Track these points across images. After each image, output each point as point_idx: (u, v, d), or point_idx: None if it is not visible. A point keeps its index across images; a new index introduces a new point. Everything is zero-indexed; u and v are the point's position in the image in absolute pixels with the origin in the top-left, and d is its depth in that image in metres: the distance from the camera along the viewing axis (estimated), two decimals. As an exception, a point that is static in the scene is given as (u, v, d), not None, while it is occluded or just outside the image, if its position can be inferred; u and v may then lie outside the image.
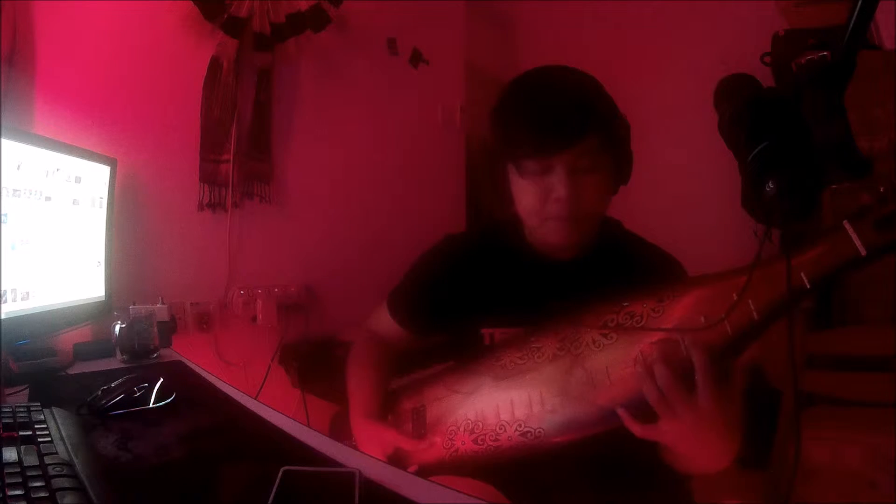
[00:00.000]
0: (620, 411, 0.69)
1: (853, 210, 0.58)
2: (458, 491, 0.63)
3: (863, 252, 0.57)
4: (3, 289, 0.91)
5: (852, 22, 0.53)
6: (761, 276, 0.64)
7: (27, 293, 0.99)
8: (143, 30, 1.43)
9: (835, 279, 0.61)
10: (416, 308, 0.98)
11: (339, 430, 0.98)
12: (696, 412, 0.64)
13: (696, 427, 0.65)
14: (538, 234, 0.86)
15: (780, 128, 0.58)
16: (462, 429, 0.81)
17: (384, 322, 1.01)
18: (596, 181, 0.80)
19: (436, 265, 0.98)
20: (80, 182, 1.13)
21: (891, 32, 1.33)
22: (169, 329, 1.30)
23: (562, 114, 0.77)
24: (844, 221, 0.58)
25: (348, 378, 0.96)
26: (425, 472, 0.79)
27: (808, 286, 0.60)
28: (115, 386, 0.82)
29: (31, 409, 0.69)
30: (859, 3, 0.51)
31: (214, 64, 1.53)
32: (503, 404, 0.78)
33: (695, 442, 0.68)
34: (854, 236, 0.57)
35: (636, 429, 0.68)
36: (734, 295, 0.65)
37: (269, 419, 0.81)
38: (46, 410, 0.70)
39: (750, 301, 0.64)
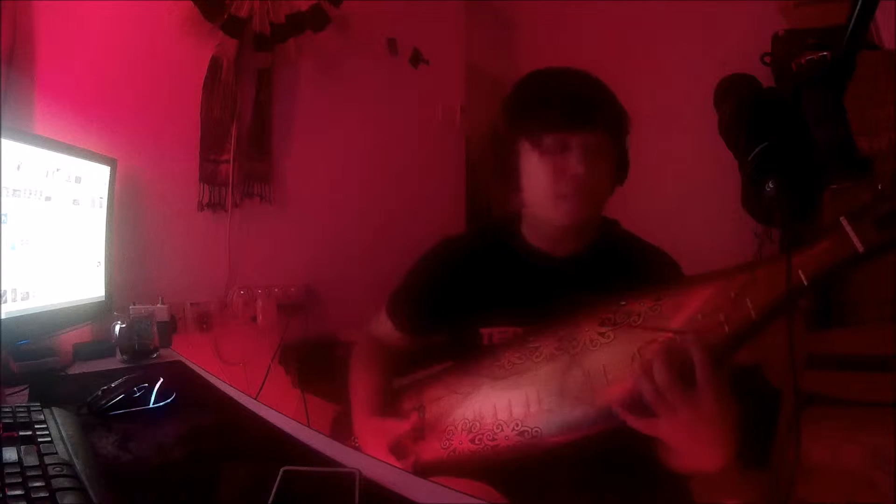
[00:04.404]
0: (616, 408, 0.69)
1: (852, 208, 0.58)
2: (457, 491, 0.63)
3: (861, 249, 0.57)
4: (3, 289, 0.91)
5: (852, 22, 0.53)
6: (760, 274, 0.64)
7: (27, 293, 0.99)
8: (143, 30, 1.43)
9: (833, 277, 0.60)
10: (415, 310, 0.98)
11: (340, 430, 0.98)
12: (694, 409, 0.64)
13: (694, 424, 0.65)
14: (547, 215, 0.86)
15: (780, 128, 0.58)
16: (460, 428, 0.81)
17: (384, 325, 1.01)
18: (604, 168, 0.83)
19: (433, 267, 0.98)
20: (80, 182, 1.13)
21: (891, 32, 1.33)
22: (169, 329, 1.30)
23: (585, 96, 0.84)
24: (842, 218, 0.58)
25: (351, 381, 0.96)
26: (424, 472, 0.79)
27: (807, 284, 0.60)
28: (115, 386, 0.82)
29: (31, 409, 0.69)
30: (859, 3, 0.51)
31: (214, 64, 1.53)
32: (501, 404, 0.78)
33: (693, 439, 0.67)
34: (852, 234, 0.57)
35: (634, 422, 0.68)
36: (732, 294, 0.64)
37: (269, 419, 0.81)
38: (46, 410, 0.70)
39: (748, 300, 0.64)
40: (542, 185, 0.84)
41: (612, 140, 0.84)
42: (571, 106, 0.82)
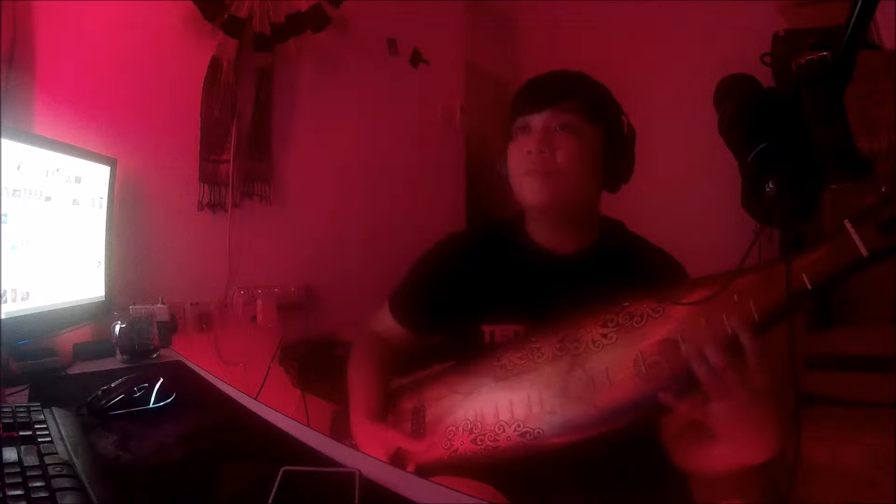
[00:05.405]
0: (662, 394, 0.67)
1: (855, 211, 0.58)
2: (458, 491, 0.63)
3: (864, 254, 0.57)
4: (3, 289, 0.91)
5: (852, 22, 0.53)
6: (762, 277, 0.64)
7: (27, 293, 0.99)
8: (143, 30, 1.42)
9: (836, 281, 0.60)
10: (417, 307, 0.98)
11: (339, 430, 0.98)
12: (750, 390, 0.63)
13: (751, 406, 0.64)
14: (520, 197, 0.89)
15: (780, 128, 0.58)
16: (461, 429, 0.81)
17: (385, 322, 1.01)
18: (573, 143, 0.84)
19: (436, 264, 0.98)
20: (80, 182, 1.13)
21: (891, 32, 1.33)
22: (169, 329, 1.30)
23: (547, 82, 0.90)
24: (846, 222, 0.58)
25: (349, 378, 0.96)
26: (424, 472, 0.79)
27: (810, 287, 0.60)
28: (115, 386, 0.82)
29: (31, 409, 0.69)
30: (859, 3, 0.51)
31: (214, 64, 1.53)
32: (502, 404, 0.78)
33: (747, 423, 0.66)
34: (856, 238, 0.57)
35: (687, 409, 0.66)
36: (735, 296, 0.64)
37: (269, 419, 0.81)
38: (46, 410, 0.70)
39: (751, 302, 0.64)
40: (511, 169, 0.89)
41: (585, 122, 0.84)
42: (532, 93, 0.89)
